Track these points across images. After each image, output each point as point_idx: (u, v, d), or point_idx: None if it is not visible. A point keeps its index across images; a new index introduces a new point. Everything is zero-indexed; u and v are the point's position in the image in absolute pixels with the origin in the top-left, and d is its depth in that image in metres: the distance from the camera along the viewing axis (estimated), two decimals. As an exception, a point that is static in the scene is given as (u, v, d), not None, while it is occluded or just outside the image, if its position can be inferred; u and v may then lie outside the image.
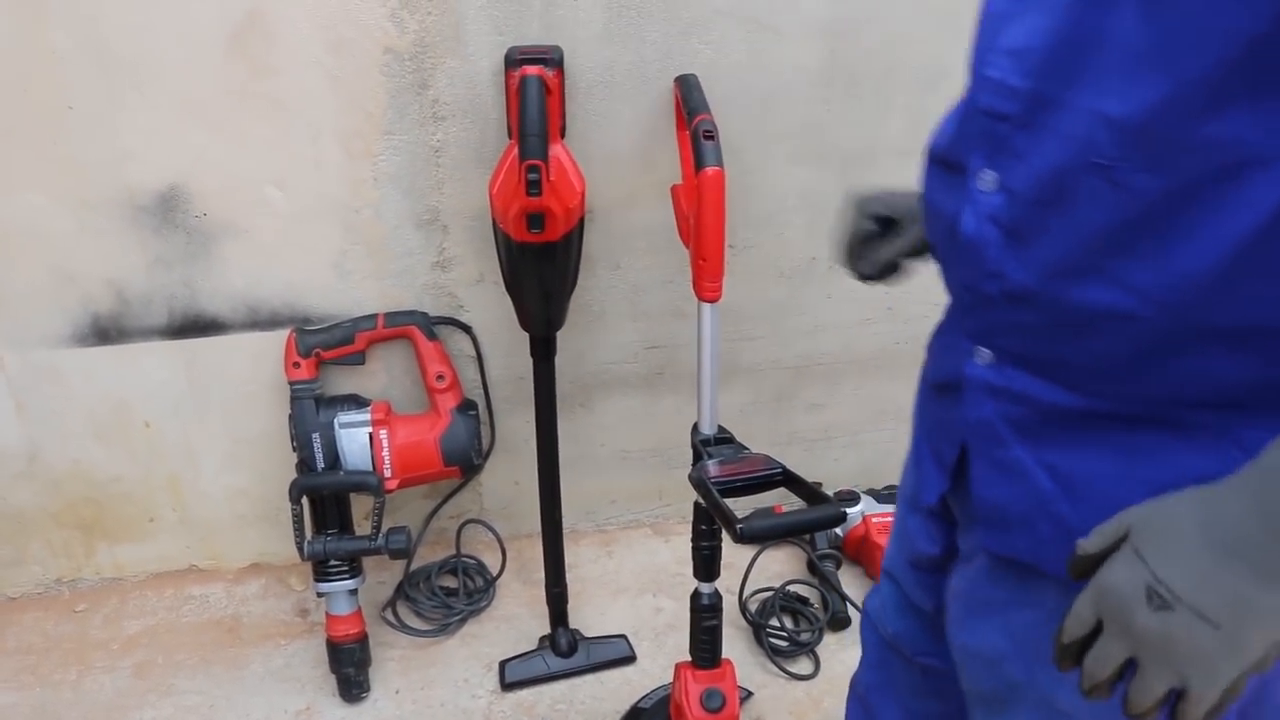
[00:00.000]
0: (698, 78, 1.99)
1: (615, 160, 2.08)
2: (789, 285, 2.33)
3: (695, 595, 1.97)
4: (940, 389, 1.17)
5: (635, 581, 2.51)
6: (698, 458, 1.87)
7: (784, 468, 1.78)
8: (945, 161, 1.07)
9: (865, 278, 1.46)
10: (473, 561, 2.49)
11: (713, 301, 1.86)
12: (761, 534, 1.66)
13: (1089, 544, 0.87)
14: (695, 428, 1.93)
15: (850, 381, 2.53)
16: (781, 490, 1.74)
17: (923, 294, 2.38)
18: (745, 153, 2.13)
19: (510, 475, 2.42)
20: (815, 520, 1.68)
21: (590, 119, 2.03)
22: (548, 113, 1.81)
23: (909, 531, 1.34)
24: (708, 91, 1.99)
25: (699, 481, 1.74)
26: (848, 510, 2.53)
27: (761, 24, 2.00)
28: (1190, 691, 0.81)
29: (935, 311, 2.39)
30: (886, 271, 1.44)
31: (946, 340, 1.18)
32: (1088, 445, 0.98)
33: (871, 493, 2.63)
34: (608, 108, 2.02)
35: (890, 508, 2.55)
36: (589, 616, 2.41)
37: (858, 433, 2.64)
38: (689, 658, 2.00)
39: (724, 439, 1.92)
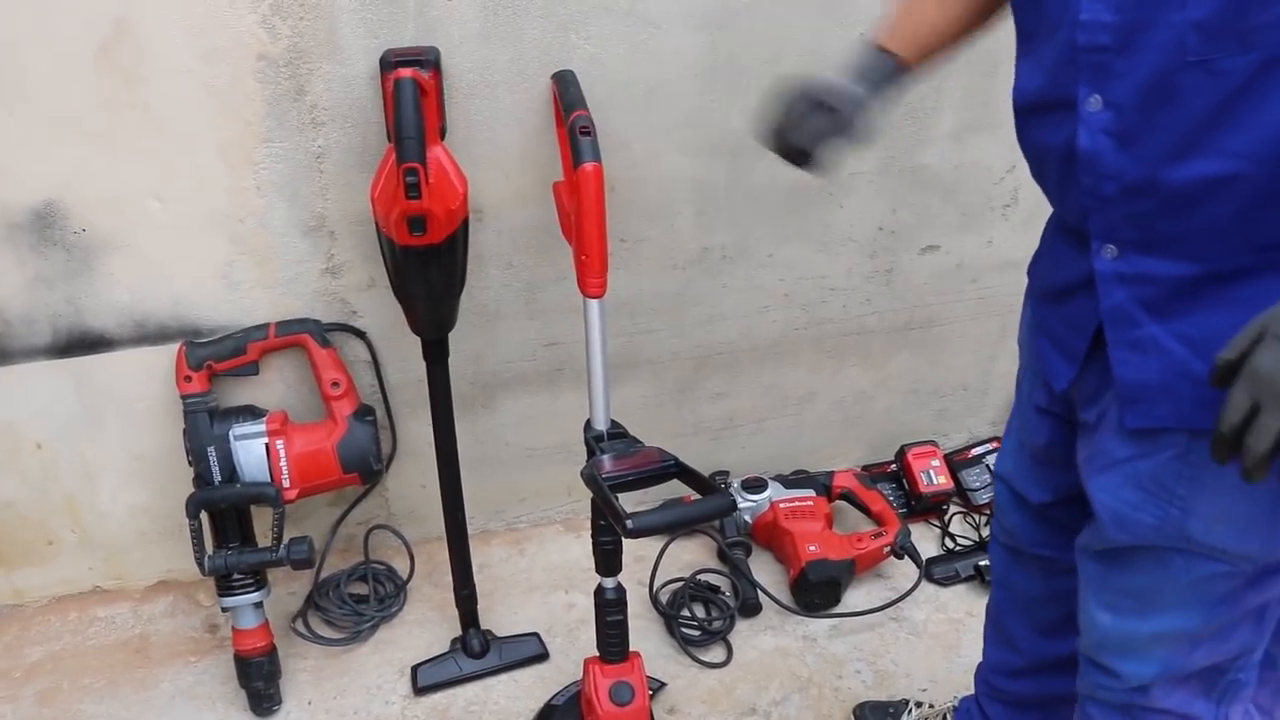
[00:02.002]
0: (575, 74, 2.00)
1: (500, 159, 2.08)
2: (684, 276, 2.34)
3: (599, 590, 1.97)
4: (1060, 294, 1.40)
5: (547, 579, 2.51)
6: (591, 454, 1.88)
7: (676, 460, 1.80)
8: (1040, 106, 1.30)
9: (796, 153, 1.48)
10: (382, 567, 2.48)
11: (597, 297, 1.87)
12: (650, 528, 1.68)
13: (1229, 351, 1.04)
14: (588, 424, 1.94)
15: (751, 369, 2.54)
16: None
17: (818, 280, 2.44)
18: (632, 146, 2.13)
19: (416, 479, 2.41)
20: (703, 512, 1.70)
21: (472, 119, 2.02)
22: (424, 115, 1.80)
23: (1027, 427, 1.60)
24: (590, 87, 2.00)
25: (590, 478, 1.76)
26: (755, 497, 2.55)
27: (639, 17, 2.00)
28: None
29: (832, 297, 2.45)
30: (817, 143, 1.46)
31: (1056, 255, 1.42)
32: (1209, 307, 1.20)
33: (779, 478, 2.65)
34: (489, 107, 2.02)
35: (798, 491, 2.58)
36: (502, 616, 2.41)
37: (763, 420, 2.65)
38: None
39: (617, 434, 1.93)
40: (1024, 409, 1.62)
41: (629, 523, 1.65)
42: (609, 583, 1.97)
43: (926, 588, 2.52)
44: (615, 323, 2.35)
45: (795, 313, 2.48)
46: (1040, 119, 1.31)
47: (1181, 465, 1.26)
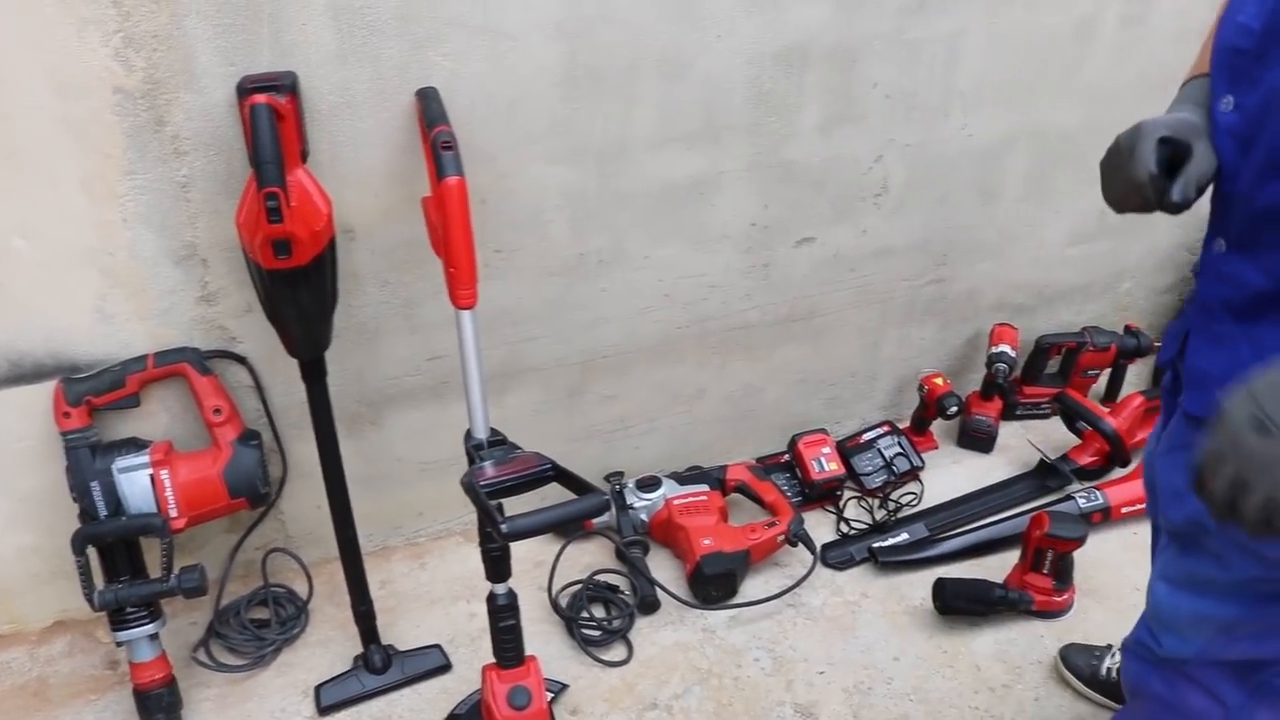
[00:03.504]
0: (436, 90, 2.02)
1: (368, 178, 2.09)
2: (562, 282, 2.37)
3: (490, 597, 2.00)
4: (1194, 274, 1.44)
5: (449, 590, 2.53)
6: (472, 462, 1.90)
7: (554, 464, 1.83)
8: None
9: (1178, 206, 1.31)
10: (282, 590, 2.48)
11: (468, 308, 1.89)
12: (525, 530, 1.70)
13: (1224, 393, 1.11)
14: (468, 433, 1.96)
15: (638, 370, 2.58)
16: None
17: (697, 278, 2.48)
18: (499, 158, 2.16)
19: (310, 500, 2.41)
20: (576, 511, 1.73)
21: (336, 140, 2.03)
22: (282, 139, 1.82)
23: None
24: (452, 102, 2.02)
25: (468, 486, 1.78)
26: (650, 496, 2.59)
27: (495, 31, 2.03)
28: None
29: (711, 294, 2.50)
30: (1198, 193, 1.36)
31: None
32: (1277, 321, 1.26)
33: (674, 475, 2.69)
34: (353, 127, 2.03)
35: (692, 487, 2.62)
36: (405, 630, 2.43)
37: (654, 419, 2.69)
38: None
39: (497, 441, 1.95)
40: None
41: (504, 526, 1.68)
42: (499, 589, 1.99)
43: (823, 572, 2.57)
44: (498, 332, 2.38)
45: (677, 312, 2.52)
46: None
47: None
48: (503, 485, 1.81)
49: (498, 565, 1.98)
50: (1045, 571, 2.40)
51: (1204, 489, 1.12)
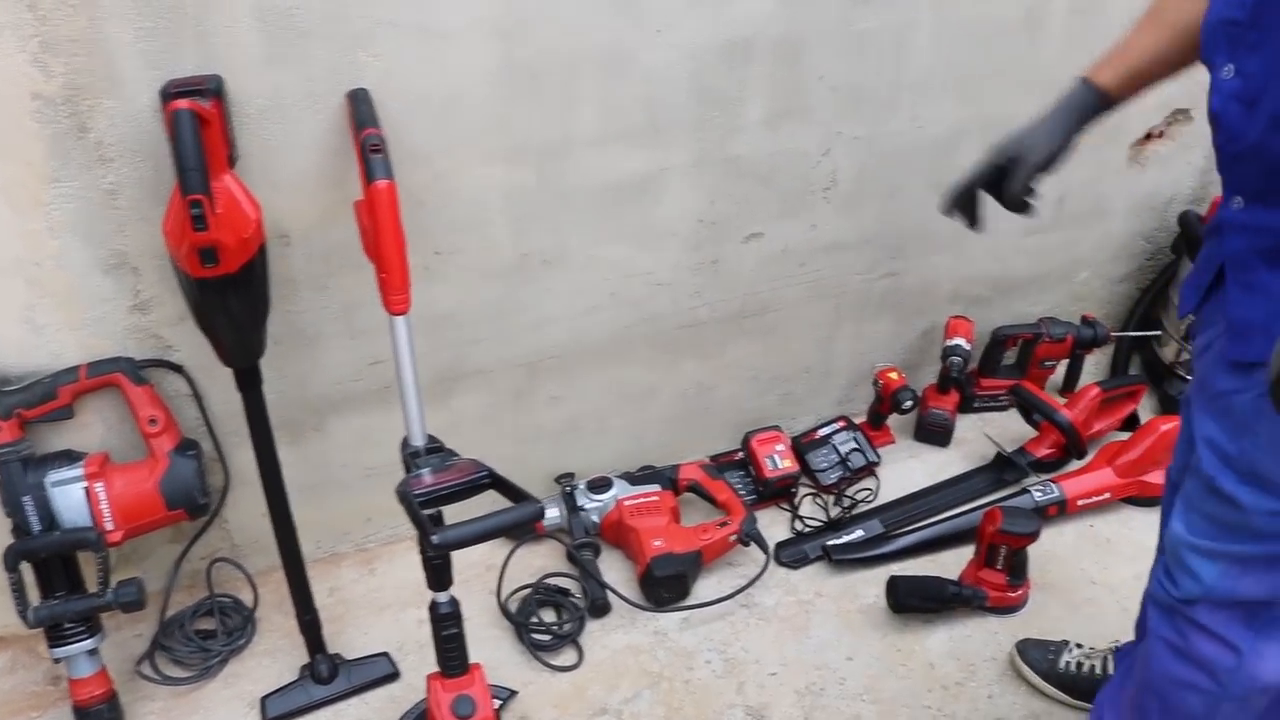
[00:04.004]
0: (367, 91, 1.98)
1: (302, 182, 2.05)
2: (504, 284, 2.33)
3: (433, 606, 1.96)
4: (1207, 234, 1.56)
5: (398, 596, 2.50)
6: (408, 470, 1.87)
7: (490, 471, 1.81)
8: (1207, 67, 1.44)
9: (1020, 208, 1.74)
10: (229, 600, 2.44)
11: (401, 314, 1.86)
12: (455, 541, 1.69)
13: None
14: (405, 441, 1.93)
15: (587, 370, 2.55)
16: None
17: (644, 277, 2.45)
18: (436, 158, 2.12)
19: (255, 508, 2.35)
20: (509, 521, 1.70)
21: (268, 144, 1.99)
22: (206, 145, 1.77)
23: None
24: (386, 103, 1.99)
25: (402, 495, 1.76)
26: (601, 497, 2.57)
27: (428, 30, 1.99)
28: None
29: (659, 292, 2.47)
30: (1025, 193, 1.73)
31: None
32: None
33: (626, 476, 2.66)
34: (284, 131, 1.99)
35: (644, 488, 2.60)
36: (353, 638, 2.40)
37: (605, 419, 2.66)
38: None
39: (434, 448, 1.92)
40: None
41: (435, 537, 1.66)
42: (441, 597, 1.96)
43: (777, 571, 2.55)
44: (441, 334, 2.34)
45: (624, 311, 2.49)
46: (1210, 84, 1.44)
47: (1263, 403, 1.39)
48: (438, 494, 1.78)
49: (439, 574, 1.94)
50: (999, 567, 2.38)
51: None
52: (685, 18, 2.16)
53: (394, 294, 1.85)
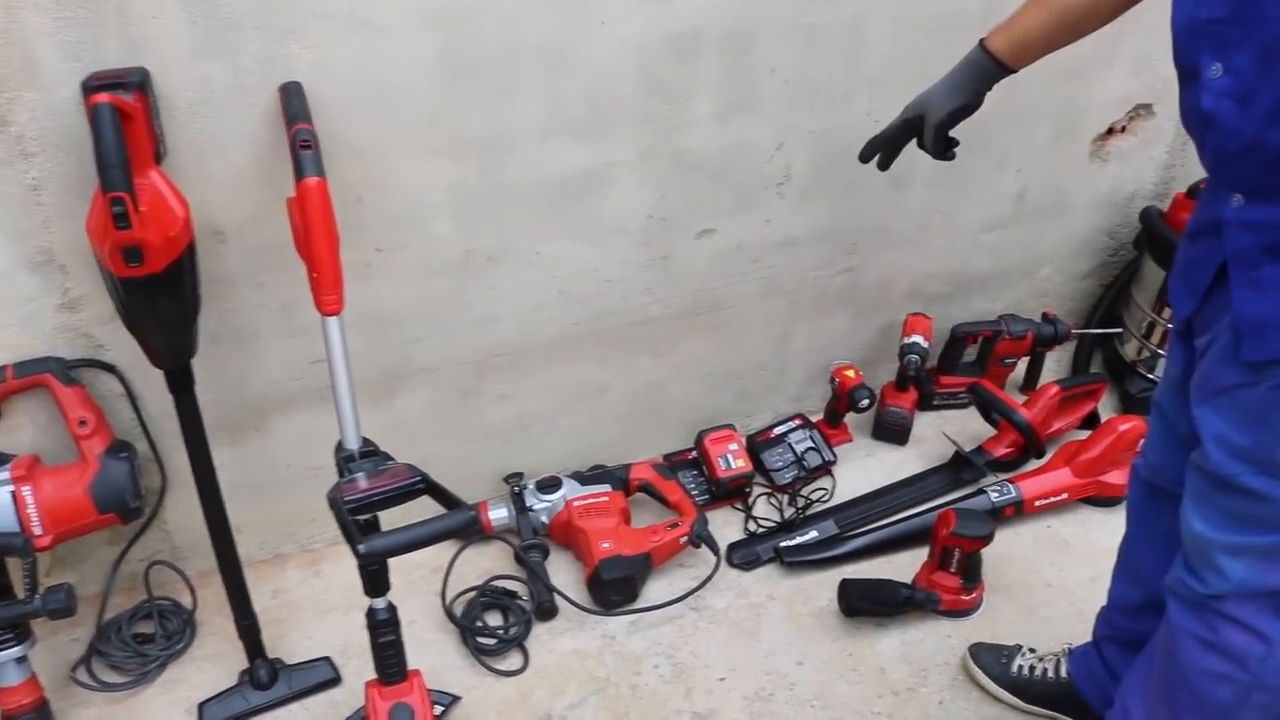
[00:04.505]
0: (300, 85, 1.93)
1: (235, 178, 2.00)
2: (449, 281, 2.28)
3: (369, 612, 1.92)
4: (1193, 235, 1.57)
5: (344, 598, 2.45)
6: (341, 475, 1.83)
7: (424, 476, 1.77)
8: (1182, 72, 1.45)
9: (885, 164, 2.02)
10: (167, 603, 2.39)
11: (334, 315, 1.82)
12: (382, 551, 1.65)
13: None
14: (339, 445, 1.88)
15: (535, 368, 2.50)
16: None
17: (593, 273, 2.40)
18: (373, 153, 2.07)
19: (194, 509, 2.27)
20: (438, 530, 1.66)
21: (198, 138, 1.93)
22: (129, 139, 1.72)
23: (1171, 360, 1.73)
24: (321, 97, 1.94)
25: (331, 501, 1.72)
26: (550, 497, 2.52)
27: (363, 21, 1.93)
28: None
29: (609, 289, 2.42)
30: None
31: (1203, 198, 1.57)
32: None
33: (576, 475, 2.61)
34: (215, 125, 1.93)
35: (594, 488, 2.55)
36: (296, 641, 2.35)
37: (555, 418, 2.62)
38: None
39: (369, 452, 1.88)
40: (1171, 341, 1.75)
41: (361, 547, 1.62)
42: (378, 603, 1.91)
43: (729, 573, 2.51)
44: (383, 333, 2.29)
45: (573, 308, 2.44)
46: (1182, 85, 1.46)
47: (1278, 396, 1.42)
48: (370, 500, 1.74)
49: (374, 580, 1.89)
50: (952, 570, 2.35)
51: None
52: (632, 10, 2.11)
53: (326, 294, 1.80)
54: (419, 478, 1.76)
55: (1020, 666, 2.21)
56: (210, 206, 1.99)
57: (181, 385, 1.97)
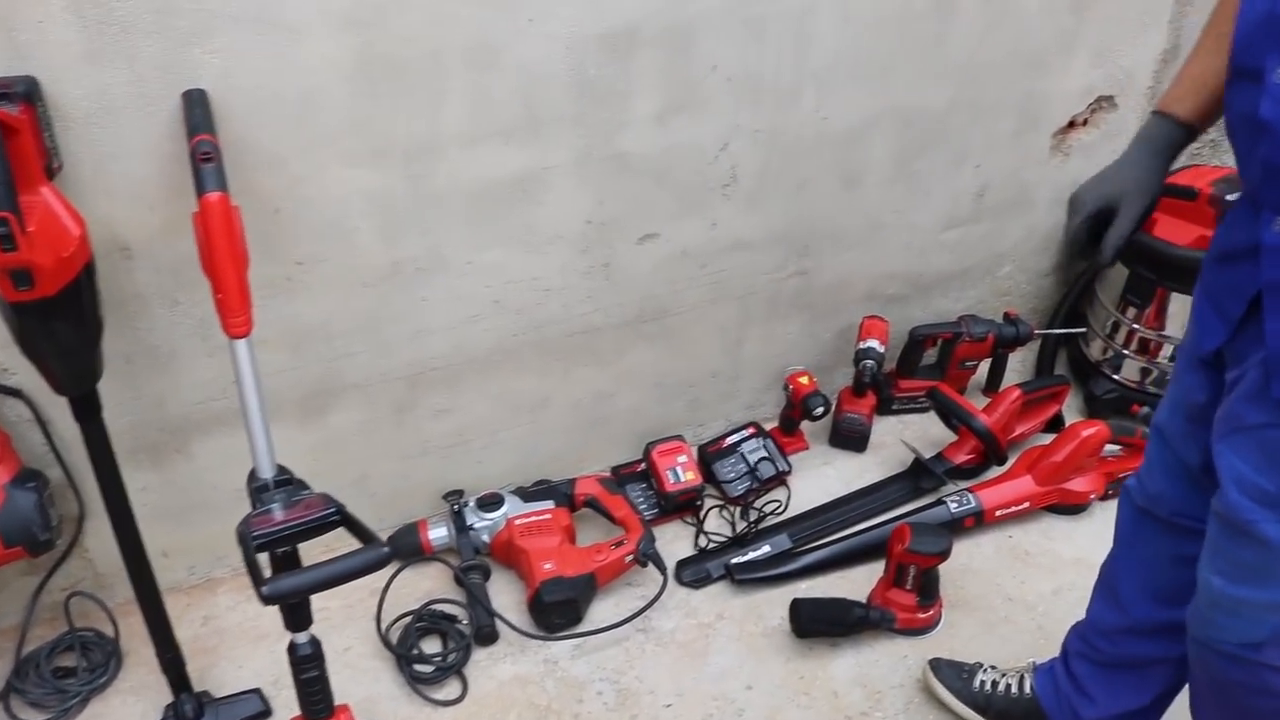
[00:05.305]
0: (204, 92, 1.82)
1: (141, 191, 1.89)
2: (377, 293, 2.17)
3: (290, 648, 1.82)
4: (1227, 258, 1.45)
5: (277, 624, 2.24)
6: (254, 506, 1.72)
7: (339, 508, 1.68)
8: (1241, 72, 1.33)
9: (1110, 263, 1.64)
10: (90, 634, 2.28)
11: (241, 337, 1.71)
12: (285, 593, 1.56)
13: None
14: (252, 474, 1.77)
15: (473, 381, 2.40)
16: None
17: (530, 282, 2.30)
18: (291, 162, 1.96)
19: (116, 536, 2.22)
20: (344, 570, 1.56)
21: (99, 150, 1.82)
22: (15, 155, 1.60)
23: (1186, 385, 1.61)
24: (230, 103, 1.84)
25: (240, 536, 1.61)
26: (491, 515, 2.42)
27: (271, 23, 1.82)
28: None
29: (548, 298, 2.32)
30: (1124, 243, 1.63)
31: (1231, 220, 1.45)
32: None
33: (519, 491, 2.51)
34: (115, 136, 1.82)
35: (537, 505, 2.45)
36: (226, 671, 2.25)
37: (495, 432, 2.51)
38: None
39: (284, 481, 1.77)
40: (1186, 364, 1.63)
41: (264, 589, 1.52)
42: (300, 638, 1.82)
43: (678, 592, 2.42)
44: (310, 349, 2.19)
45: (509, 319, 2.33)
46: (1235, 85, 1.35)
47: None
48: (279, 535, 1.64)
49: (294, 613, 1.80)
50: (908, 587, 2.26)
51: None
52: (560, 7, 2.00)
53: (232, 315, 1.70)
54: (334, 510, 1.66)
55: (982, 682, 2.13)
56: (115, 221, 1.89)
57: (87, 412, 1.86)
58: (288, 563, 1.74)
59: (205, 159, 1.69)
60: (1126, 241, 1.61)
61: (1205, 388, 1.56)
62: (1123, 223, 1.60)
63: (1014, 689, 2.10)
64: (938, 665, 2.19)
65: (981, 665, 2.15)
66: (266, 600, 1.52)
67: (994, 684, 2.11)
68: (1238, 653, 1.51)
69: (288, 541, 1.65)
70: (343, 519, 1.66)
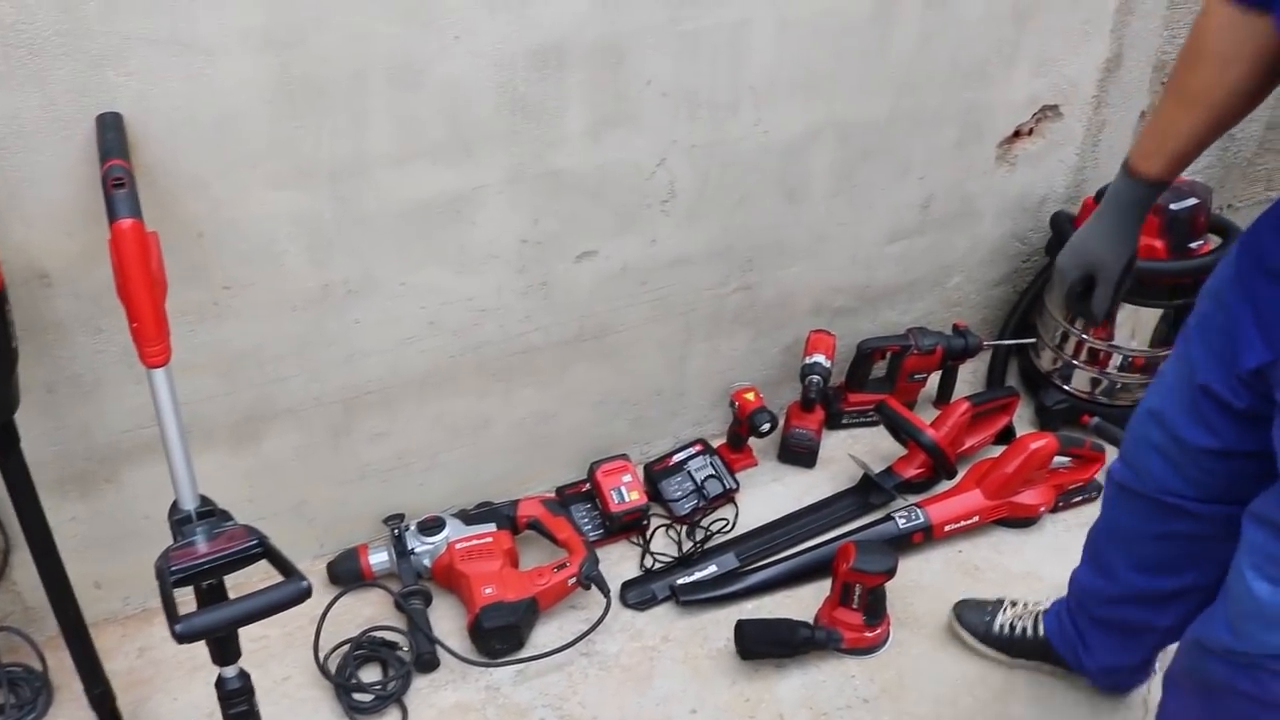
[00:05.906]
0: (119, 116, 1.78)
1: (58, 216, 1.85)
2: (307, 317, 2.13)
3: (219, 682, 1.78)
4: (1276, 274, 1.40)
5: (213, 655, 2.30)
6: (176, 539, 1.68)
7: (261, 540, 1.64)
8: None
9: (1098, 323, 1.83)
10: (19, 669, 2.23)
11: (159, 367, 1.67)
12: (199, 631, 1.51)
13: None
14: (174, 506, 1.73)
15: (410, 404, 2.36)
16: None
17: (466, 303, 2.27)
18: (213, 185, 1.92)
19: (45, 569, 2.17)
20: (264, 605, 1.51)
21: (11, 175, 1.78)
22: (-83, 183, 1.57)
23: (1193, 365, 1.61)
24: (147, 126, 1.81)
25: (158, 570, 1.57)
26: (432, 540, 2.38)
27: (187, 45, 1.78)
28: None
29: (484, 318, 2.28)
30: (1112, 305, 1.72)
31: None
32: None
33: (461, 514, 2.47)
34: (28, 160, 1.78)
35: (478, 528, 2.41)
36: (161, 705, 2.21)
37: (436, 454, 2.47)
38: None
39: (206, 512, 1.73)
40: (1199, 350, 1.61)
41: (177, 627, 1.47)
42: (228, 671, 1.78)
43: (623, 614, 2.38)
44: (241, 375, 2.15)
45: (446, 340, 2.30)
46: None
47: None
48: (200, 569, 1.60)
49: (221, 647, 1.76)
50: (854, 606, 2.23)
51: None
52: (485, 23, 1.97)
53: (148, 344, 1.66)
54: (255, 542, 1.62)
55: (1002, 625, 2.21)
56: (32, 248, 1.85)
57: (3, 444, 1.81)
58: (213, 596, 1.70)
59: (117, 184, 1.65)
60: (1114, 304, 1.71)
61: (1238, 393, 1.55)
62: (1103, 291, 1.70)
63: (1029, 631, 2.17)
64: (961, 610, 2.28)
65: (1003, 604, 2.25)
66: (180, 638, 1.48)
67: (1011, 626, 2.19)
68: (1257, 662, 1.48)
69: (208, 575, 1.61)
70: (265, 551, 1.62)
